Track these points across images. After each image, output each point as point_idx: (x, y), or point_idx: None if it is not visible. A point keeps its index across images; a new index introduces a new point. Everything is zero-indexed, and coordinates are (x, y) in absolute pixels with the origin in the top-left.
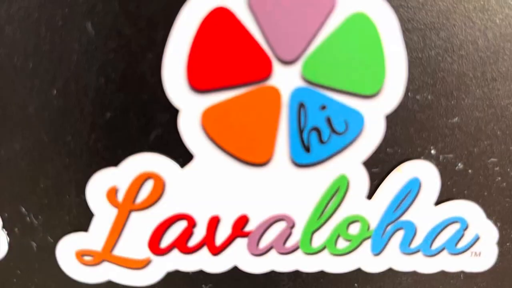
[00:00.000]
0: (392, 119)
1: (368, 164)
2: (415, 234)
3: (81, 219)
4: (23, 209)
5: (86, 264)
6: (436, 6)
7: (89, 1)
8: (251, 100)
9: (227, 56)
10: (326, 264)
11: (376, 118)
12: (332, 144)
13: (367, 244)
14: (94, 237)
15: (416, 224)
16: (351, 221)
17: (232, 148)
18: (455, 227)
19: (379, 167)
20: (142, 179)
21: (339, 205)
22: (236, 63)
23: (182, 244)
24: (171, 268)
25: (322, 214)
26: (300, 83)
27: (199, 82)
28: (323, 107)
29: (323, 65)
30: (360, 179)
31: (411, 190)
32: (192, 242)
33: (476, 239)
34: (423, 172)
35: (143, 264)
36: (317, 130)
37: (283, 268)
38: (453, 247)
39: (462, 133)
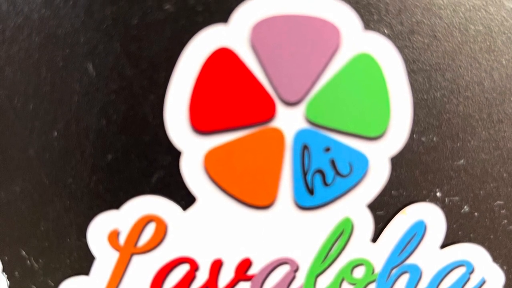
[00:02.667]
0: (397, 161)
1: (373, 206)
2: (420, 277)
3: (82, 262)
4: (23, 252)
5: None
6: (441, 47)
7: (90, 42)
8: (254, 142)
9: (230, 97)
10: None
11: (381, 160)
12: (336, 187)
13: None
14: (95, 280)
15: (421, 267)
16: (356, 264)
17: (235, 190)
18: (461, 271)
19: (383, 210)
20: (144, 222)
21: (343, 248)
22: (239, 105)
23: None
24: None
25: (326, 258)
26: (304, 125)
27: (202, 124)
28: (327, 149)
29: (327, 107)
30: (365, 222)
31: (416, 233)
32: (194, 286)
33: (482, 282)
34: (429, 215)
35: None
36: (321, 172)
37: None
38: None
39: (468, 176)
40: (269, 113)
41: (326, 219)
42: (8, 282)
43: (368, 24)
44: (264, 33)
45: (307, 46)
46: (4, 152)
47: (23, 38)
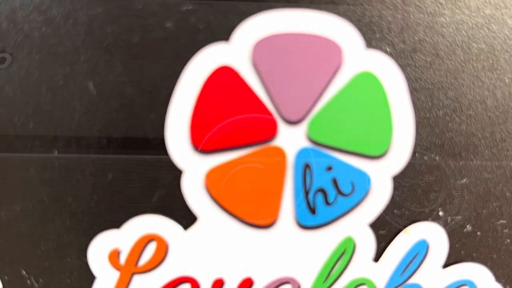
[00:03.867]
0: (399, 180)
1: (375, 226)
2: None
3: (83, 282)
4: (24, 272)
5: None
6: (444, 65)
7: (90, 60)
8: (256, 161)
9: (231, 116)
10: None
11: (383, 179)
12: (338, 206)
13: None
14: None
15: (423, 287)
16: (358, 284)
17: (236, 209)
18: None
19: (385, 229)
20: (145, 241)
21: (345, 267)
22: (240, 123)
23: None
24: None
25: (328, 277)
26: (306, 144)
27: (203, 143)
28: (329, 168)
29: (329, 125)
30: (367, 241)
31: (419, 252)
32: None
33: None
34: (431, 234)
35: None
36: (323, 191)
37: None
38: None
39: (470, 195)
40: (271, 132)
41: (328, 238)
42: None
43: (370, 42)
44: (266, 51)
45: (309, 64)
46: (5, 171)
47: (23, 56)
